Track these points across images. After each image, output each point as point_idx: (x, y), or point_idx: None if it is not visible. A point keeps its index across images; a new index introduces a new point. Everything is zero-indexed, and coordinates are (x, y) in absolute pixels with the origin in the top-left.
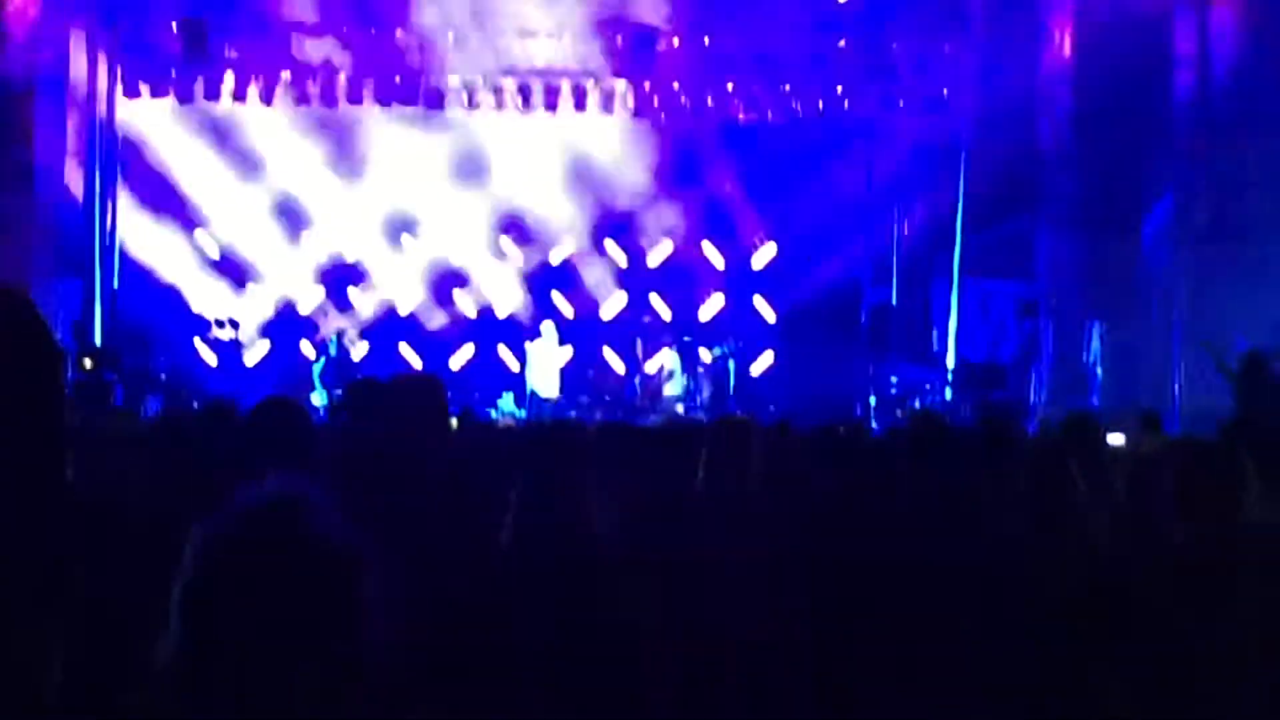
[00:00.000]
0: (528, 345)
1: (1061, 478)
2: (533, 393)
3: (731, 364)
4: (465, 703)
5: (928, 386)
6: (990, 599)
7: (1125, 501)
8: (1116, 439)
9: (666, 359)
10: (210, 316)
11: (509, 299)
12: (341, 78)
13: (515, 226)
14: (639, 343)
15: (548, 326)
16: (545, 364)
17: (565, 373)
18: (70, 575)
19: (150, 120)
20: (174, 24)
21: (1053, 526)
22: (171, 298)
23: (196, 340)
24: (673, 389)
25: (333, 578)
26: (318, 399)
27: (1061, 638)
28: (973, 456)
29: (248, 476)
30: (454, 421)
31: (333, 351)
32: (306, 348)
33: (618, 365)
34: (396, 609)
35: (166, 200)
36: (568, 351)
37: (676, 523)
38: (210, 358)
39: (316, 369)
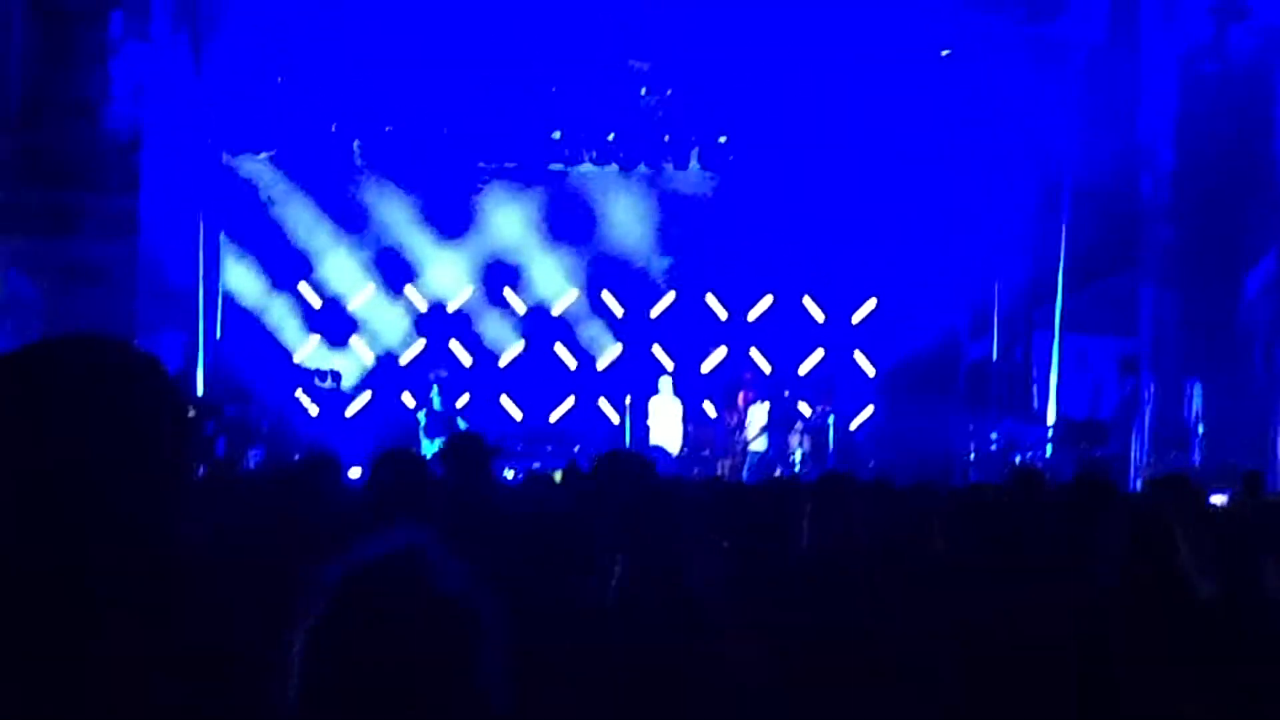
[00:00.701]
0: (651, 400)
1: (1162, 537)
2: (658, 449)
3: (831, 420)
4: None
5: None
6: (1089, 656)
7: (1227, 562)
8: (1219, 499)
9: (759, 413)
10: (312, 367)
11: (608, 352)
12: (443, 131)
13: (615, 280)
14: (740, 395)
15: (665, 381)
16: (667, 419)
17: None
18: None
19: (254, 172)
20: (279, 78)
21: (1152, 585)
22: (273, 349)
23: (298, 391)
24: (760, 444)
25: (454, 630)
26: (427, 450)
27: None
28: (1071, 513)
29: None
30: (558, 475)
31: (436, 405)
32: (407, 399)
33: (716, 419)
34: (507, 663)
35: (269, 252)
36: (679, 406)
37: (780, 579)
38: (312, 409)
39: (421, 419)
